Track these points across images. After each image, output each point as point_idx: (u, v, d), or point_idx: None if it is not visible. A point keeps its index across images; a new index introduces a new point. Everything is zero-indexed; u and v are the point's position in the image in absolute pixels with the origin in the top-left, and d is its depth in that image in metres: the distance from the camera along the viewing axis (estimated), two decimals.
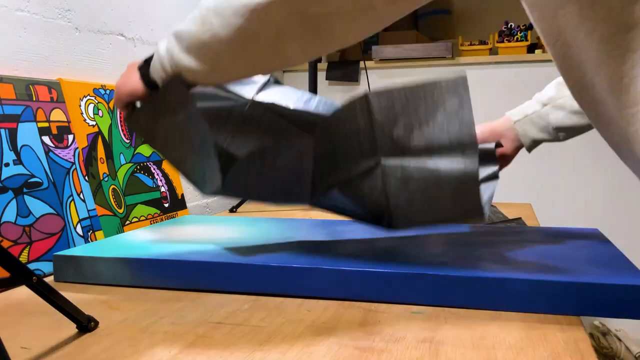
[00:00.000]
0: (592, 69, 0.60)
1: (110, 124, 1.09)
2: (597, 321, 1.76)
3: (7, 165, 0.85)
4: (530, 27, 1.88)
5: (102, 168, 1.05)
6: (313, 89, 1.57)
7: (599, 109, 0.64)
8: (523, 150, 0.99)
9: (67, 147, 0.97)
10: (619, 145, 0.65)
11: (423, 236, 0.88)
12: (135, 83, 0.70)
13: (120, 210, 1.07)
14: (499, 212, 1.17)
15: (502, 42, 1.92)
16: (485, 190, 0.79)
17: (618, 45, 0.56)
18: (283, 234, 0.91)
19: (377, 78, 1.95)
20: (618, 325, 1.74)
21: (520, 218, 1.14)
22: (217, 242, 0.86)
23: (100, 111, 1.07)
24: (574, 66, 0.62)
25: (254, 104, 0.78)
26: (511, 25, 1.92)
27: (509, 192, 1.81)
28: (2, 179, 0.83)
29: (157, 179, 1.20)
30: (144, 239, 0.89)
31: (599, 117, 0.65)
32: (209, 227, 1.00)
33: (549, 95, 0.95)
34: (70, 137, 0.99)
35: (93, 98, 1.06)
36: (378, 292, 0.67)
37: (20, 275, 0.54)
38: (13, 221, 0.83)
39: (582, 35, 0.58)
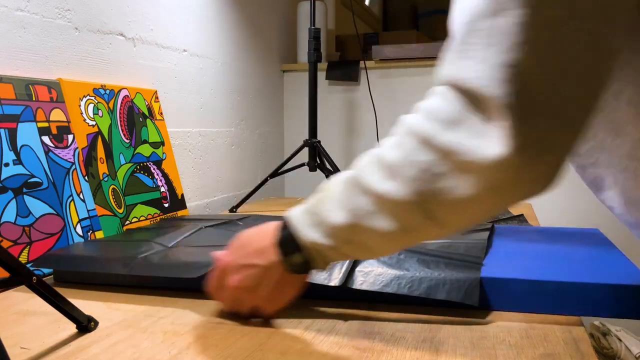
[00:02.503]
0: (614, 132, 0.59)
1: (110, 124, 1.09)
2: (597, 321, 1.76)
3: (6, 165, 0.85)
4: None
5: (102, 168, 1.05)
6: (313, 88, 1.57)
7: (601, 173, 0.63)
8: None
9: (66, 147, 0.97)
10: (630, 204, 0.65)
11: None
12: None
13: (120, 210, 1.07)
14: None
15: None
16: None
17: None
18: None
19: (377, 78, 1.95)
20: (618, 325, 1.74)
21: (522, 215, 1.14)
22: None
23: (100, 111, 1.07)
24: (590, 130, 0.61)
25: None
26: None
27: None
28: (1, 179, 0.83)
29: (157, 179, 1.20)
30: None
31: (599, 182, 0.65)
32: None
33: None
34: (70, 137, 0.99)
35: (93, 98, 1.06)
36: (374, 293, 0.67)
37: (20, 275, 0.54)
38: (13, 221, 0.83)
39: (609, 98, 0.57)
